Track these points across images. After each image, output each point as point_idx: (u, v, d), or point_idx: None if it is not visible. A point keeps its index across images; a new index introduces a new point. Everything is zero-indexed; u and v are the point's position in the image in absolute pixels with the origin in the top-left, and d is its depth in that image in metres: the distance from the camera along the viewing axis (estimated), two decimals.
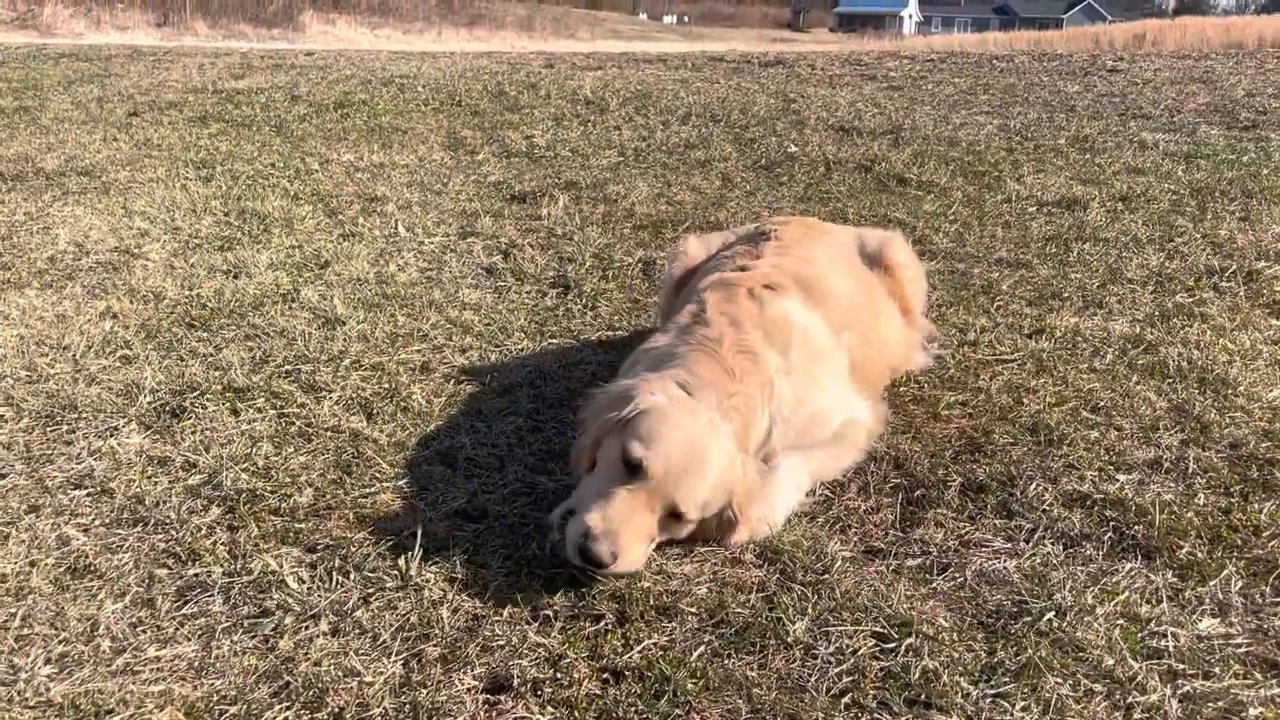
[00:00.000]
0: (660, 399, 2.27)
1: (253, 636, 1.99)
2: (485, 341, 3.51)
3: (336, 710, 1.80)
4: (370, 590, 2.12)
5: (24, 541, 2.28)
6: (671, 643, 1.98)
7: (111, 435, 2.77)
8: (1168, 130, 7.34)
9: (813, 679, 1.88)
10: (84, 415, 2.88)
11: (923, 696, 1.83)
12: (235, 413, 2.91)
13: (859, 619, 2.03)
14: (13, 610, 2.04)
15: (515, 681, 1.87)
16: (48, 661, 1.91)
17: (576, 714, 1.80)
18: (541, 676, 1.88)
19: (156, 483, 2.54)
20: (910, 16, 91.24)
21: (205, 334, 3.51)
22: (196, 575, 2.17)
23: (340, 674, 1.88)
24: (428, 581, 2.15)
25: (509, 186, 5.75)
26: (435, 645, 1.96)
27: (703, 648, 1.96)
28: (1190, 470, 2.60)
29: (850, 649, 1.95)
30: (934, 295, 3.90)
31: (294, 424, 2.85)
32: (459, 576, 2.17)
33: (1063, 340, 3.48)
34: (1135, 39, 26.09)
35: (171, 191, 5.47)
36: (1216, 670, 1.89)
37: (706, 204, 5.43)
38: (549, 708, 1.81)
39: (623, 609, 2.06)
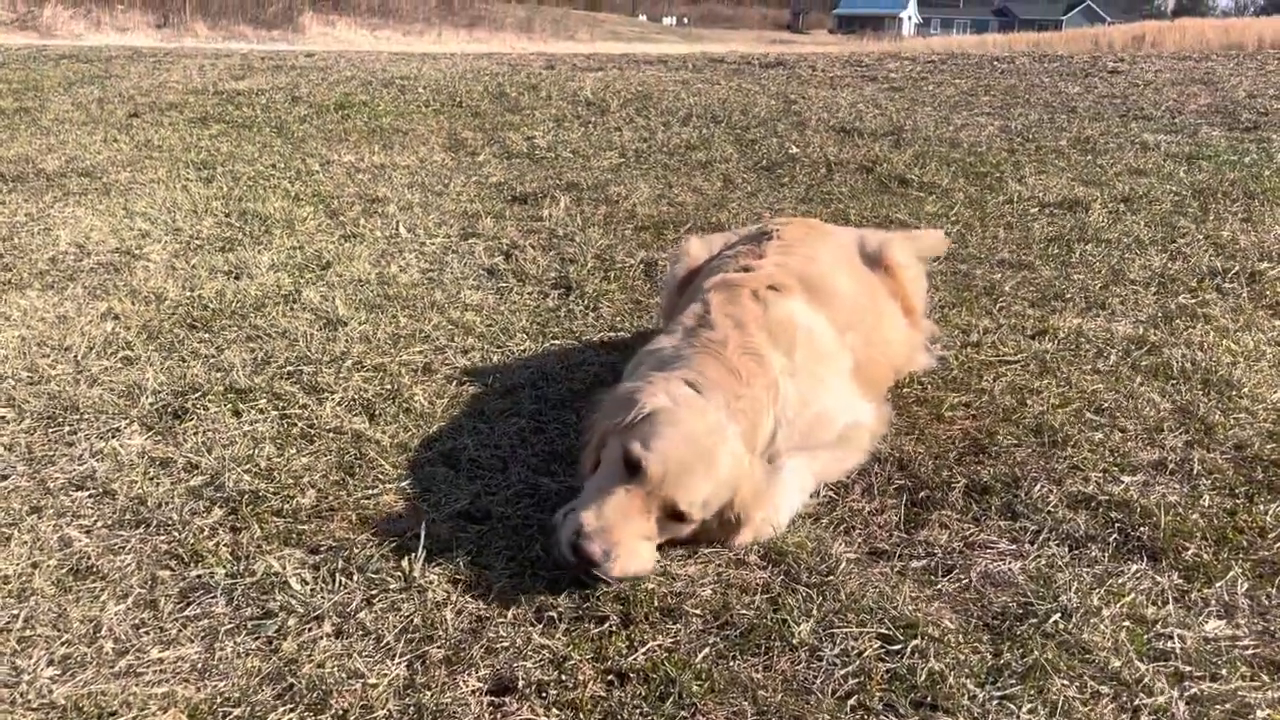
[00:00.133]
0: (665, 400, 2.27)
1: (256, 638, 1.98)
2: (487, 343, 3.50)
3: (340, 712, 1.79)
4: (374, 592, 2.12)
5: (26, 543, 2.27)
6: (676, 644, 1.97)
7: (113, 436, 2.76)
8: (1169, 131, 7.34)
9: (818, 681, 1.87)
10: (86, 416, 2.87)
11: (929, 699, 1.82)
12: (237, 414, 2.91)
13: (864, 621, 2.02)
14: (15, 612, 2.03)
15: (520, 683, 1.86)
16: (50, 663, 1.90)
17: (581, 716, 1.79)
18: (546, 678, 1.87)
19: (159, 484, 2.53)
20: (909, 18, 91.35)
21: (207, 335, 3.50)
22: (199, 577, 2.16)
23: (344, 676, 1.87)
24: (431, 583, 2.14)
25: (510, 187, 5.75)
26: (439, 647, 1.96)
27: (708, 649, 1.95)
28: (1195, 472, 2.60)
29: (856, 651, 1.94)
30: (936, 296, 3.89)
31: (296, 425, 2.85)
32: (462, 578, 2.16)
33: (1066, 341, 3.48)
34: (1135, 40, 26.12)
35: (172, 192, 5.47)
36: (1223, 672, 1.89)
37: (708, 205, 5.43)
38: (554, 710, 1.80)
39: (627, 610, 2.05)
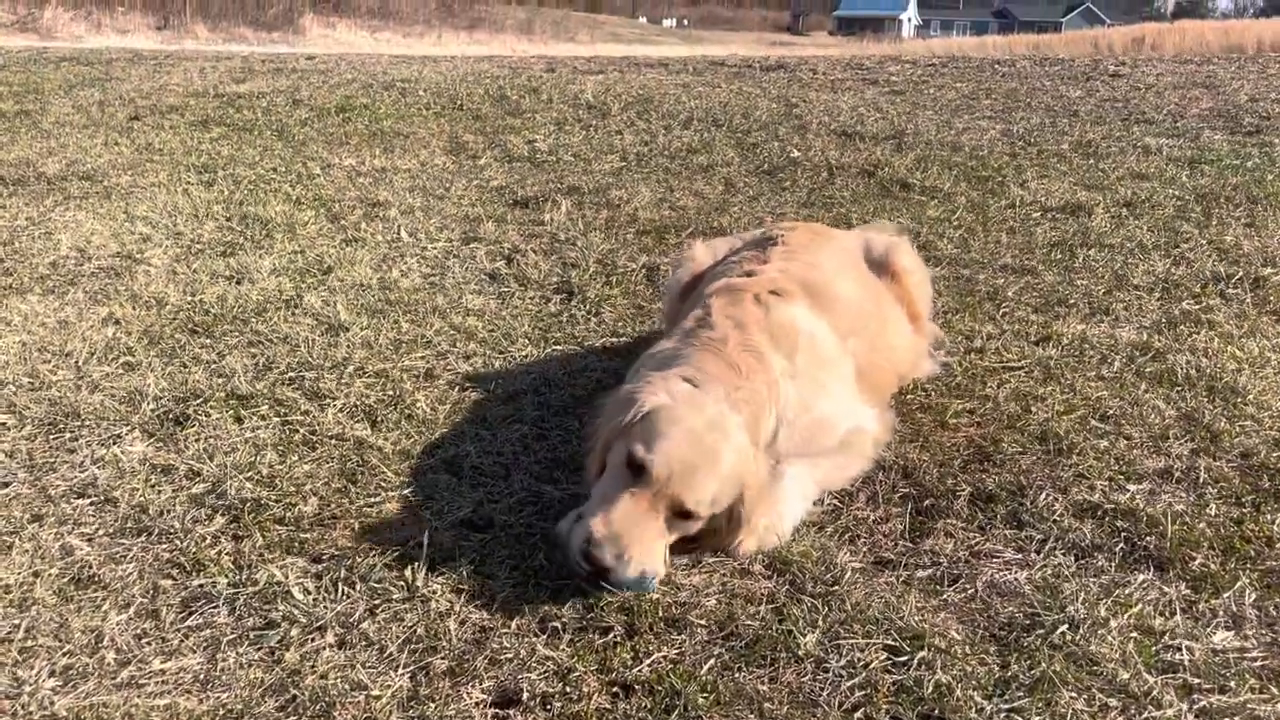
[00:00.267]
0: (664, 399, 2.26)
1: (258, 649, 1.97)
2: (489, 348, 3.49)
3: None
4: (376, 601, 2.11)
5: (27, 551, 2.26)
6: (681, 656, 1.96)
7: (115, 443, 2.75)
8: (1171, 135, 7.33)
9: (824, 693, 1.86)
10: (87, 423, 2.86)
11: (936, 711, 1.81)
12: (239, 420, 2.90)
13: (870, 632, 2.01)
14: (16, 622, 2.02)
15: (524, 695, 1.85)
16: (52, 674, 1.89)
17: None
18: (550, 690, 1.86)
19: (160, 491, 2.52)
20: (909, 20, 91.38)
21: (208, 340, 3.49)
22: (201, 586, 2.15)
23: (347, 687, 1.86)
24: (434, 592, 2.13)
25: (511, 191, 5.74)
26: (443, 658, 1.94)
27: (713, 661, 1.94)
28: (1201, 480, 2.59)
29: (862, 662, 1.93)
30: (939, 302, 3.88)
31: (298, 432, 2.84)
32: (466, 587, 2.15)
33: (1070, 347, 3.46)
34: (1134, 42, 26.14)
35: (173, 196, 5.46)
36: (1232, 684, 1.87)
37: (709, 209, 5.42)
38: None
39: (631, 621, 2.04)
